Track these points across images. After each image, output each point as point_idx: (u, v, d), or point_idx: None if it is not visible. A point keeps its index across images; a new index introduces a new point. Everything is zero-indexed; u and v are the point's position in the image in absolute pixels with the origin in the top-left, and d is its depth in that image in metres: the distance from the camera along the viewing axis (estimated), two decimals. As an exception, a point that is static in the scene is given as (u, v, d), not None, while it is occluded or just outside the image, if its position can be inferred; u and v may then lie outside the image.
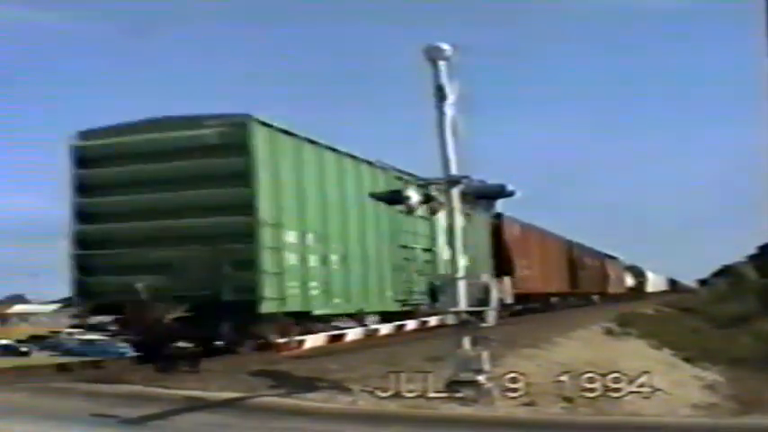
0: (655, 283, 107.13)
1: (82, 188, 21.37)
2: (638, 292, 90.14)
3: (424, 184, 17.17)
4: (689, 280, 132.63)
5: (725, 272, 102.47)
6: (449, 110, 16.43)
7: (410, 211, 17.37)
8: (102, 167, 21.29)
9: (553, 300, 49.77)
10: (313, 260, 22.76)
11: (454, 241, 16.63)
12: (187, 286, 19.72)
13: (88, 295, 21.46)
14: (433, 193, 16.97)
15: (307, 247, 22.41)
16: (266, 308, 20.38)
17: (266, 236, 20.47)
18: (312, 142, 22.59)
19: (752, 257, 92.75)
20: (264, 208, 20.38)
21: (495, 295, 16.36)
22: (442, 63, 16.37)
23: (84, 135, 21.55)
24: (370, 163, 25.77)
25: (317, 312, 23.24)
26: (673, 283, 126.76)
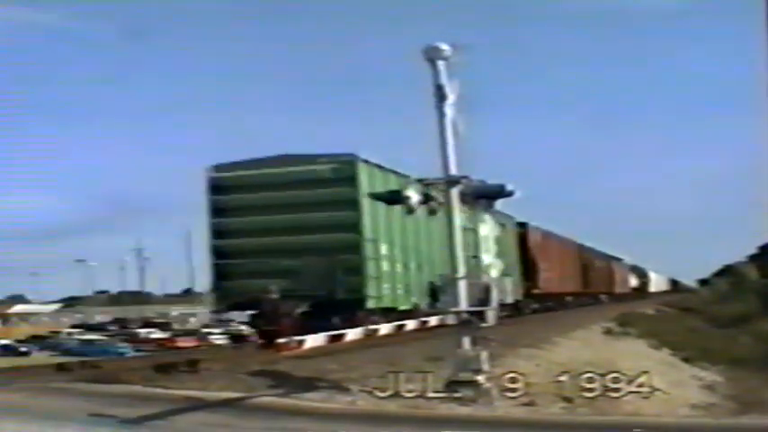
0: (657, 283, 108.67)
1: (217, 211, 26.88)
2: (642, 291, 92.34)
3: (427, 183, 17.20)
4: (690, 280, 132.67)
5: (725, 272, 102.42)
6: (449, 110, 16.45)
7: (410, 210, 17.36)
8: (236, 194, 26.64)
9: (567, 299, 53.56)
10: (398, 267, 28.44)
11: (454, 241, 16.66)
12: (308, 288, 25.31)
13: (226, 296, 27.06)
14: (433, 192, 17.00)
15: (394, 257, 27.97)
16: (370, 304, 26.39)
17: (369, 249, 26.41)
18: (395, 173, 26.89)
19: (752, 257, 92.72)
20: (367, 227, 26.21)
21: (495, 295, 16.38)
22: (441, 63, 16.39)
23: (219, 168, 26.87)
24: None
25: (402, 308, 28.79)
26: (674, 284, 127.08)
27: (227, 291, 27.11)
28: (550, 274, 47.73)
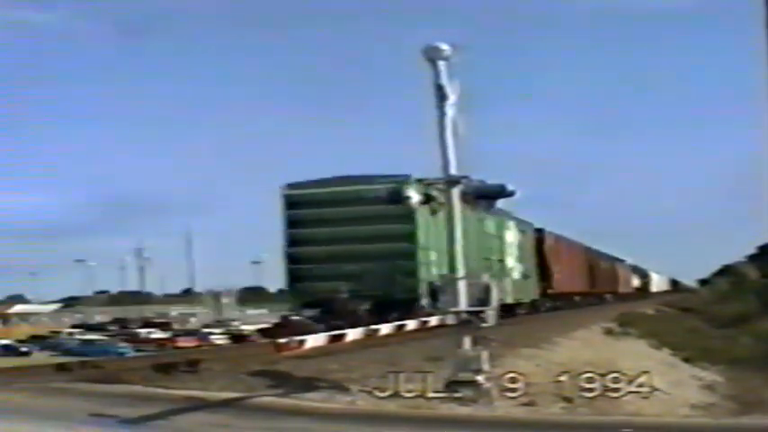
0: (658, 283, 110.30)
1: (291, 223, 31.61)
2: (644, 291, 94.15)
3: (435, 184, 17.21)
4: (690, 280, 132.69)
5: (725, 272, 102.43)
6: (449, 110, 16.45)
7: (410, 210, 17.38)
8: (307, 209, 31.30)
9: (576, 298, 57.18)
10: (444, 271, 30.06)
11: (454, 241, 16.67)
12: (371, 289, 29.68)
13: (300, 296, 31.60)
14: (434, 192, 17.02)
15: (440, 262, 29.40)
16: (423, 303, 28.22)
17: (421, 255, 30.72)
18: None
19: (752, 257, 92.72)
20: (420, 237, 30.55)
21: (495, 295, 16.39)
22: (441, 63, 16.40)
23: (292, 186, 31.54)
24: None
25: None
26: (675, 284, 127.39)
27: (299, 291, 31.96)
28: (562, 275, 51.65)
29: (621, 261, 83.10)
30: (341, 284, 30.28)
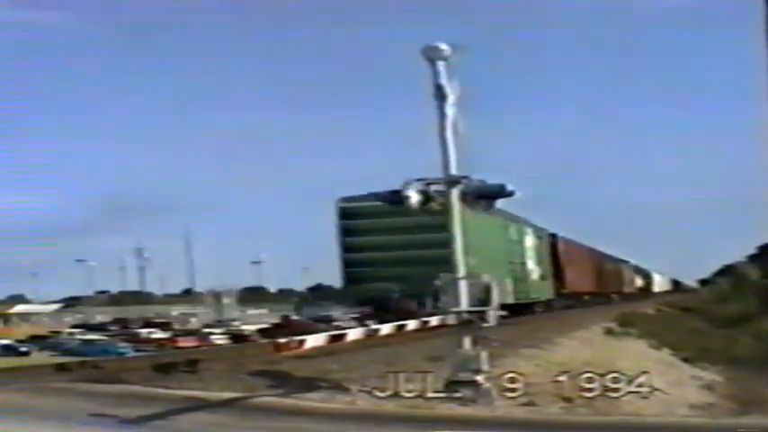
0: (660, 283, 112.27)
1: (346, 232, 36.44)
2: (646, 291, 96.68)
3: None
4: (690, 280, 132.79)
5: (726, 272, 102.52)
6: (449, 110, 16.46)
7: (410, 210, 17.38)
8: (360, 219, 35.55)
9: (585, 298, 61.99)
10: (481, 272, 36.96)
11: (454, 241, 16.69)
12: (418, 290, 32.01)
13: (354, 296, 36.96)
14: (433, 193, 17.02)
15: (480, 266, 34.90)
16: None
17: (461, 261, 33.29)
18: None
19: (752, 257, 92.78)
20: (467, 246, 32.41)
21: (496, 295, 16.40)
22: (440, 63, 16.40)
23: (346, 200, 35.65)
24: (506, 217, 41.97)
25: None
26: (676, 284, 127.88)
27: (354, 291, 37.80)
28: (574, 276, 56.83)
29: (626, 262, 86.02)
30: (392, 285, 35.67)
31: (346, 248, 37.26)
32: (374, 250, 37.03)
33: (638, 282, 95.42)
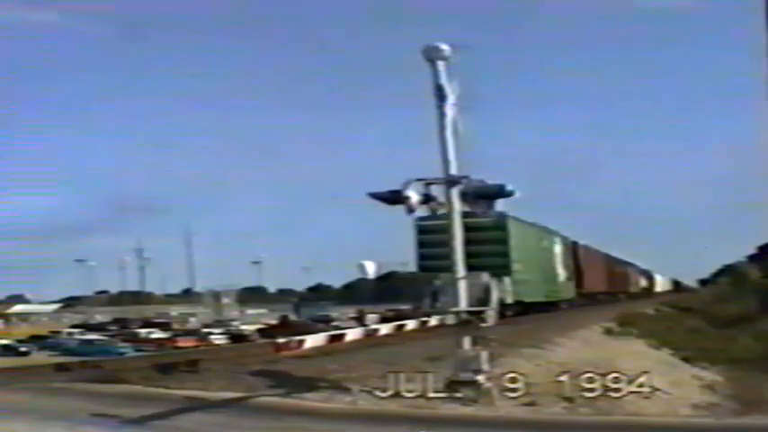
0: (662, 284, 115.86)
1: (422, 244, 42.78)
2: (649, 291, 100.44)
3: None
4: (690, 280, 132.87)
5: (725, 272, 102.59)
6: (449, 110, 16.45)
7: (410, 210, 17.36)
8: (434, 234, 36.61)
9: (599, 297, 67.75)
10: (528, 277, 46.86)
11: (455, 241, 16.67)
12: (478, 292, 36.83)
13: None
14: (434, 192, 17.01)
15: (523, 271, 45.31)
16: (509, 300, 38.29)
17: (515, 267, 43.93)
18: (529, 223, 48.89)
19: (752, 257, 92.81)
20: (512, 255, 44.16)
21: (495, 295, 16.40)
22: (441, 63, 16.39)
23: (422, 218, 35.83)
24: (540, 229, 52.23)
25: (528, 300, 45.46)
26: (677, 284, 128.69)
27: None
28: (590, 278, 63.95)
29: (631, 265, 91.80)
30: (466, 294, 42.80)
31: (422, 257, 45.21)
32: (443, 259, 42.59)
33: (643, 282, 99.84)
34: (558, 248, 55.47)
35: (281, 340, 23.76)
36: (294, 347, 23.33)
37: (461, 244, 16.73)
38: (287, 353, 22.58)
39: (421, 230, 42.93)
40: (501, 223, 43.77)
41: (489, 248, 40.30)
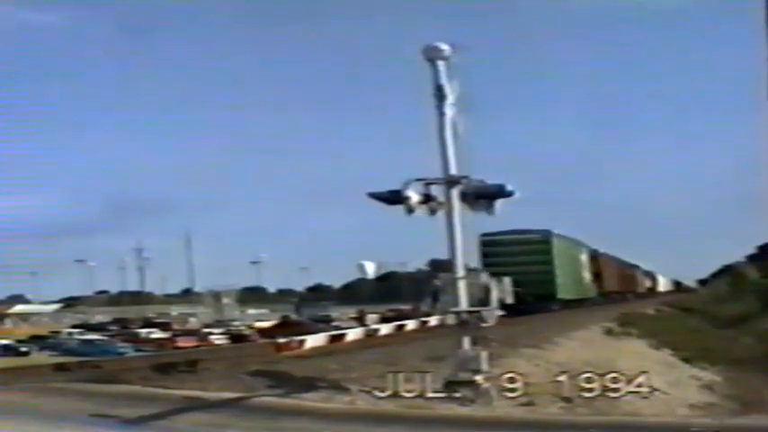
0: (664, 284, 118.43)
1: (485, 255, 43.58)
2: (653, 291, 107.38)
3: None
4: (690, 280, 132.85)
5: (725, 272, 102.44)
6: (448, 110, 16.45)
7: (410, 210, 17.37)
8: (493, 247, 48.67)
9: (613, 296, 76.05)
10: (567, 280, 58.82)
11: (454, 240, 16.68)
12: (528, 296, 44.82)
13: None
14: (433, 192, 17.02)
15: (562, 276, 56.44)
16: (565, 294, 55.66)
17: (557, 272, 55.82)
18: (571, 239, 60.72)
19: (752, 257, 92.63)
20: (555, 263, 55.49)
21: (495, 295, 16.40)
22: (440, 63, 16.39)
23: (486, 234, 46.40)
24: (571, 241, 62.04)
25: (567, 298, 56.77)
26: (678, 284, 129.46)
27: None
28: (606, 280, 74.21)
29: (637, 267, 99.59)
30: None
31: (484, 266, 52.80)
32: (501, 266, 50.36)
33: (647, 283, 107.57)
34: (583, 256, 67.80)
35: (281, 340, 23.79)
36: (295, 347, 23.36)
37: (461, 244, 16.69)
38: (287, 353, 22.60)
39: (484, 244, 50.53)
40: (546, 239, 56.21)
41: (535, 258, 53.89)
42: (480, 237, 46.57)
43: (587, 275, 67.39)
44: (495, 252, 52.05)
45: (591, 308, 58.29)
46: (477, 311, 16.13)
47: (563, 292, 56.78)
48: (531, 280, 51.21)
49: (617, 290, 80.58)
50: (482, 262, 51.18)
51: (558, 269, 56.50)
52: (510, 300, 18.49)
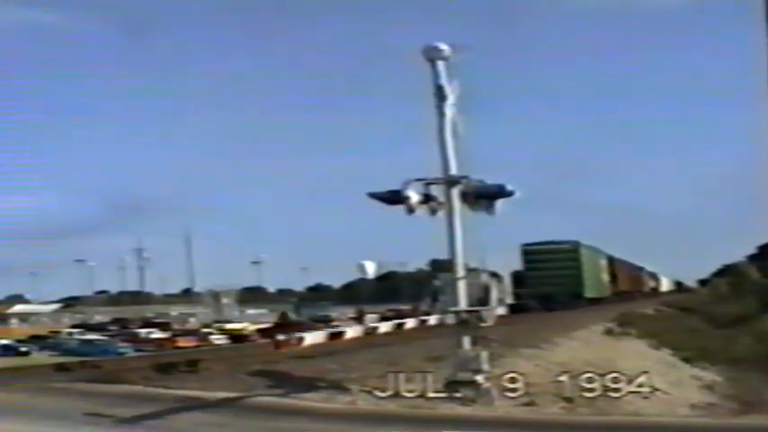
0: (666, 284, 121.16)
1: (527, 262, 64.70)
2: (656, 291, 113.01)
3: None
4: (690, 280, 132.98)
5: (725, 272, 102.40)
6: (448, 110, 16.43)
7: (410, 210, 17.35)
8: (533, 256, 64.76)
9: (624, 295, 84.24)
10: (591, 282, 72.24)
11: (454, 240, 16.67)
12: (560, 294, 63.11)
13: (530, 296, 63.85)
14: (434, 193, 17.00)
15: (588, 280, 68.69)
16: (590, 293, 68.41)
17: (584, 274, 68.27)
18: (598, 250, 74.43)
19: (752, 257, 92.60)
20: (584, 271, 67.37)
21: (495, 295, 16.38)
22: (440, 63, 16.38)
23: (527, 245, 63.82)
24: (594, 250, 72.87)
25: (590, 296, 67.59)
26: (679, 284, 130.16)
27: (530, 294, 61.43)
28: (620, 281, 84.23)
29: (642, 269, 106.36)
30: (550, 291, 62.38)
31: (526, 269, 64.79)
32: (540, 270, 64.26)
33: (651, 283, 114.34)
34: (603, 261, 78.23)
35: (280, 337, 23.77)
36: (294, 344, 23.33)
37: (461, 244, 16.67)
38: (286, 349, 22.58)
39: (526, 253, 64.08)
40: (575, 249, 66.69)
41: (567, 264, 64.76)
42: (522, 246, 63.41)
43: (606, 277, 78.36)
44: (535, 259, 64.63)
45: (608, 304, 66.00)
46: (477, 311, 16.08)
47: (589, 291, 67.49)
48: (563, 282, 63.87)
49: (628, 289, 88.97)
50: (524, 267, 64.81)
51: (585, 273, 67.29)
52: (509, 300, 18.55)
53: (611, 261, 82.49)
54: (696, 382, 26.31)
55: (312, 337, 24.86)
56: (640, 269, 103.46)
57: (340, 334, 26.84)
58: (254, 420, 14.27)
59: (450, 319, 16.71)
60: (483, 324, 16.11)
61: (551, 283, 63.51)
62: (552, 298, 61.35)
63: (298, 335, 24.01)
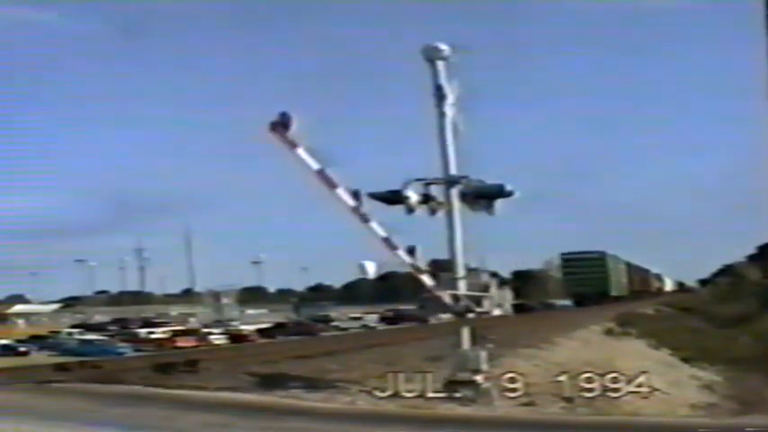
0: (669, 285, 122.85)
1: (566, 268, 77.81)
2: (660, 291, 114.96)
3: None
4: (690, 280, 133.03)
5: (726, 272, 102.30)
6: (448, 110, 16.44)
7: (410, 210, 17.36)
8: (572, 262, 78.19)
9: (636, 295, 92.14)
10: (616, 281, 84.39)
11: (454, 240, 16.67)
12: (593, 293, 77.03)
13: (571, 294, 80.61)
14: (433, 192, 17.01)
15: (614, 282, 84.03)
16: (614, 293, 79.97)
17: (610, 273, 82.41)
18: (610, 255, 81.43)
19: (752, 257, 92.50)
20: (610, 275, 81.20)
21: (494, 295, 16.39)
22: (440, 63, 16.38)
23: (565, 254, 78.42)
24: (616, 257, 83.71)
25: (615, 294, 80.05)
26: (681, 285, 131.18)
27: (570, 291, 76.46)
28: (633, 282, 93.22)
29: (648, 271, 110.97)
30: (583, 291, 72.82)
31: (565, 274, 76.47)
32: (576, 275, 75.19)
33: (656, 284, 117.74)
34: (621, 266, 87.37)
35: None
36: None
37: (461, 244, 16.68)
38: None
39: (564, 260, 75.51)
40: (603, 257, 77.56)
41: (596, 269, 76.09)
42: (561, 255, 76.81)
43: (624, 280, 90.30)
44: (572, 265, 78.09)
45: (626, 302, 76.33)
46: (474, 311, 16.10)
47: (613, 291, 78.99)
48: (594, 283, 75.87)
49: (638, 289, 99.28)
50: (564, 272, 77.40)
51: (611, 276, 79.72)
52: (508, 307, 18.79)
53: (628, 266, 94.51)
54: (695, 381, 26.32)
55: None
56: (647, 271, 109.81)
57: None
58: (255, 420, 14.27)
59: (447, 317, 16.72)
60: (479, 322, 16.11)
61: (584, 284, 76.94)
62: (585, 296, 75.35)
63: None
